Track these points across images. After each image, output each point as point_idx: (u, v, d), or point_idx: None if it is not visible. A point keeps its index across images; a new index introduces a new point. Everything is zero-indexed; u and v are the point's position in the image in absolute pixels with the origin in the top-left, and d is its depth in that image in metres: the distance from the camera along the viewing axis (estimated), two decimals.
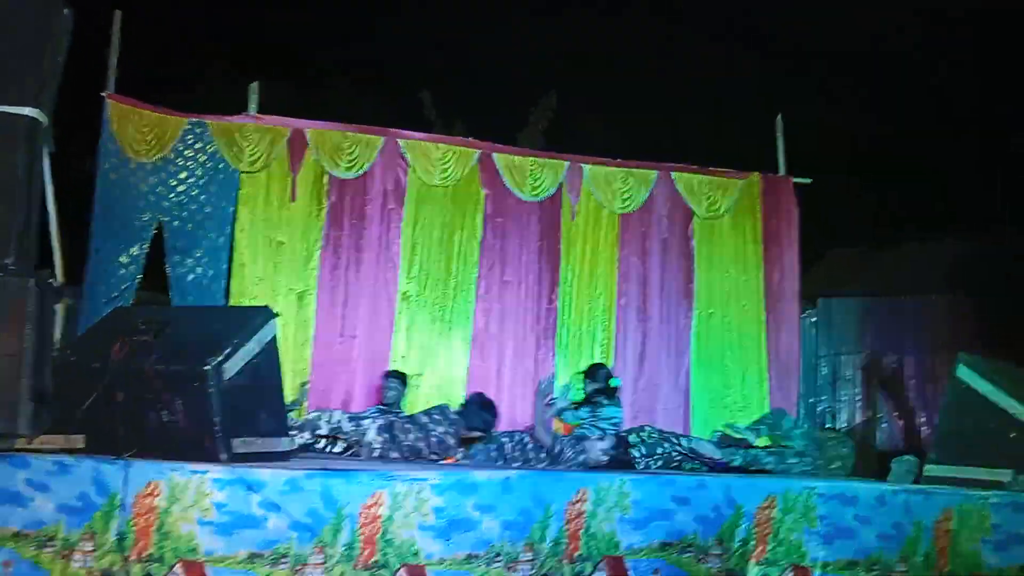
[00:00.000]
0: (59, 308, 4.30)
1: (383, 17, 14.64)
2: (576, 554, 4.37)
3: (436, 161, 8.16)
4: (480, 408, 6.26)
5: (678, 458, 6.48)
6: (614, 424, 6.90)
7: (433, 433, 5.99)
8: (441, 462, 5.94)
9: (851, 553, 4.74)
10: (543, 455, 6.27)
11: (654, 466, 6.36)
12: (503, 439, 6.37)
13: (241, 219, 7.73)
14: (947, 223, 13.11)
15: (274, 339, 4.54)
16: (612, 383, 7.36)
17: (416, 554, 4.08)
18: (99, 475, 3.79)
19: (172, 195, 7.57)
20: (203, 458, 4.01)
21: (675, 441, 6.54)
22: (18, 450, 3.87)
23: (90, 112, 7.54)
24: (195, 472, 3.85)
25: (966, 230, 12.52)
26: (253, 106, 7.86)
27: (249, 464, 4.06)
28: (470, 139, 8.60)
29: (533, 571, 4.27)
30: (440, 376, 8.03)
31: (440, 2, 15.08)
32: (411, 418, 6.46)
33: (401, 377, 7.46)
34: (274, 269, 7.78)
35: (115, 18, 7.46)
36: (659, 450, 6.49)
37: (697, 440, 6.42)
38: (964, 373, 5.57)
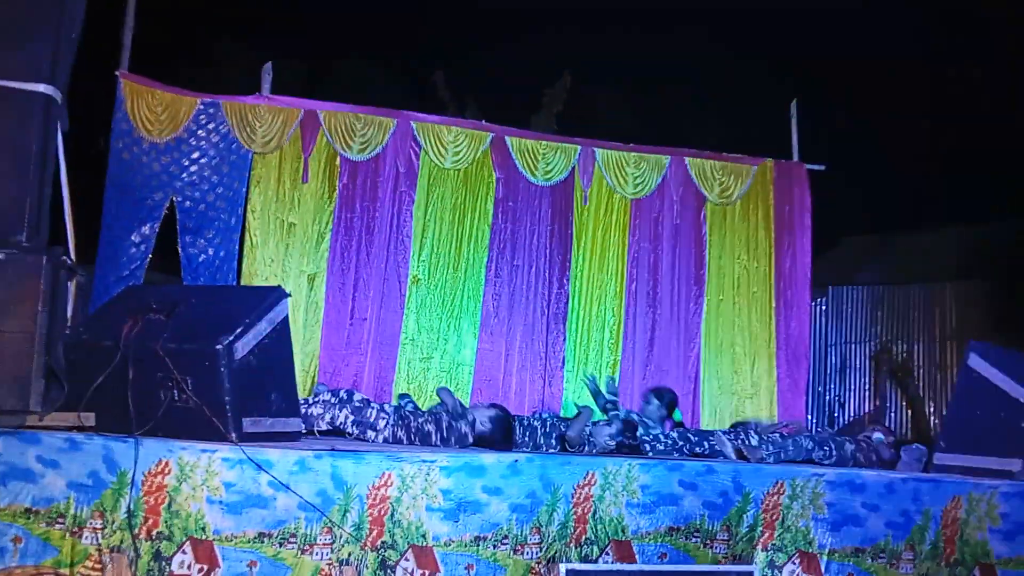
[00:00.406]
0: (71, 286, 4.30)
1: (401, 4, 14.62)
2: (583, 538, 4.38)
3: (448, 144, 8.16)
4: (503, 437, 6.17)
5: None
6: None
7: (444, 421, 5.99)
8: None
9: (858, 540, 4.74)
10: (553, 440, 6.27)
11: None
12: (512, 423, 6.37)
13: (253, 200, 7.74)
14: (958, 210, 13.05)
15: (286, 319, 4.55)
16: (676, 416, 7.31)
17: (424, 535, 4.10)
18: (109, 453, 3.80)
19: (184, 175, 7.59)
20: (213, 437, 4.02)
21: (695, 442, 6.51)
22: (29, 427, 3.90)
23: (104, 91, 7.56)
24: (205, 451, 3.87)
25: (976, 217, 12.47)
26: (266, 87, 7.85)
27: (259, 444, 4.08)
28: (483, 122, 8.60)
29: (540, 554, 4.28)
30: (449, 359, 8.04)
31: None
32: (425, 411, 6.43)
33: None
34: (285, 251, 7.79)
35: None
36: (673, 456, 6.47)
37: (719, 439, 6.35)
38: (975, 362, 5.54)
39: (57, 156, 4.37)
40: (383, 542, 4.04)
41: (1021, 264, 10.76)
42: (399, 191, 8.08)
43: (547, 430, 6.46)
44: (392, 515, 4.07)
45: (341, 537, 3.97)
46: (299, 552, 3.90)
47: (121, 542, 3.76)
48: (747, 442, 6.28)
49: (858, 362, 11.66)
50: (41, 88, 4.13)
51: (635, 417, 6.73)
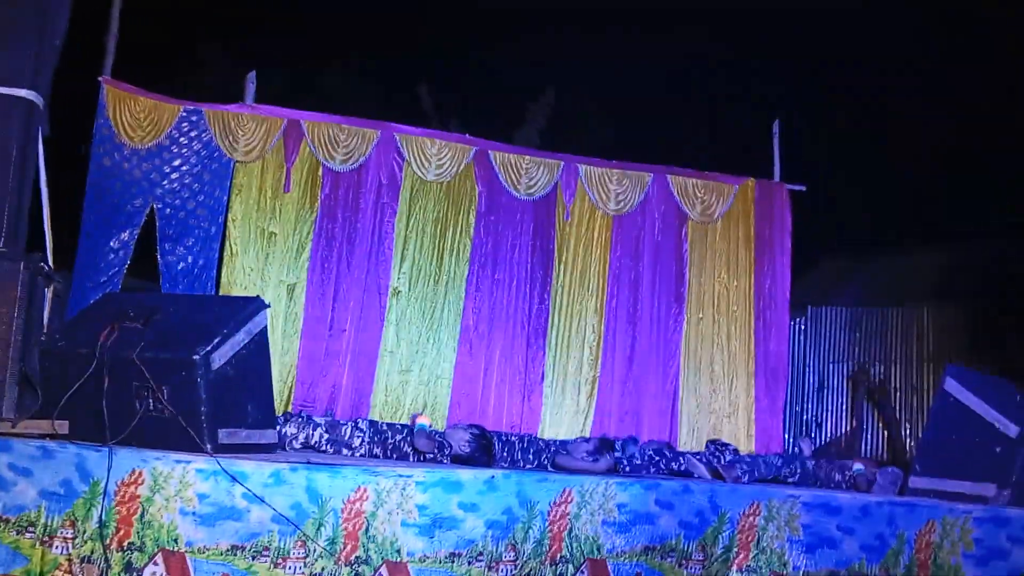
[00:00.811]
0: (48, 292, 4.27)
1: (382, 8, 14.61)
2: (559, 556, 4.37)
3: (432, 156, 8.15)
4: (483, 456, 6.17)
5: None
6: None
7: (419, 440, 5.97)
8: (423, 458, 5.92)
9: (833, 563, 4.75)
10: (530, 456, 6.27)
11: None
12: (495, 442, 6.37)
13: (234, 208, 7.70)
14: (934, 233, 13.15)
15: (264, 330, 4.53)
16: None
17: (399, 551, 4.08)
18: (83, 461, 3.77)
19: (165, 182, 7.54)
20: (188, 448, 4.00)
21: (670, 457, 6.53)
22: (2, 434, 3.86)
23: (86, 96, 7.52)
24: (179, 462, 3.85)
25: (954, 240, 12.57)
26: (250, 96, 7.83)
27: (234, 455, 4.05)
28: (467, 135, 8.59)
29: (515, 571, 4.27)
30: (428, 372, 8.01)
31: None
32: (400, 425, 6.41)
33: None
34: (265, 260, 7.75)
35: (114, 2, 7.43)
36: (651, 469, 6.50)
37: (689, 460, 6.38)
38: (951, 386, 5.57)
39: (37, 161, 4.35)
40: (357, 557, 4.02)
41: (999, 287, 10.84)
42: (381, 203, 8.05)
43: (524, 446, 6.46)
44: (367, 530, 4.04)
45: (315, 551, 3.95)
46: (272, 566, 3.87)
47: (92, 552, 3.72)
48: (721, 460, 6.30)
49: (836, 382, 11.69)
50: (23, 93, 4.11)
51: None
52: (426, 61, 14.76)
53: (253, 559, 3.85)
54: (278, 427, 5.33)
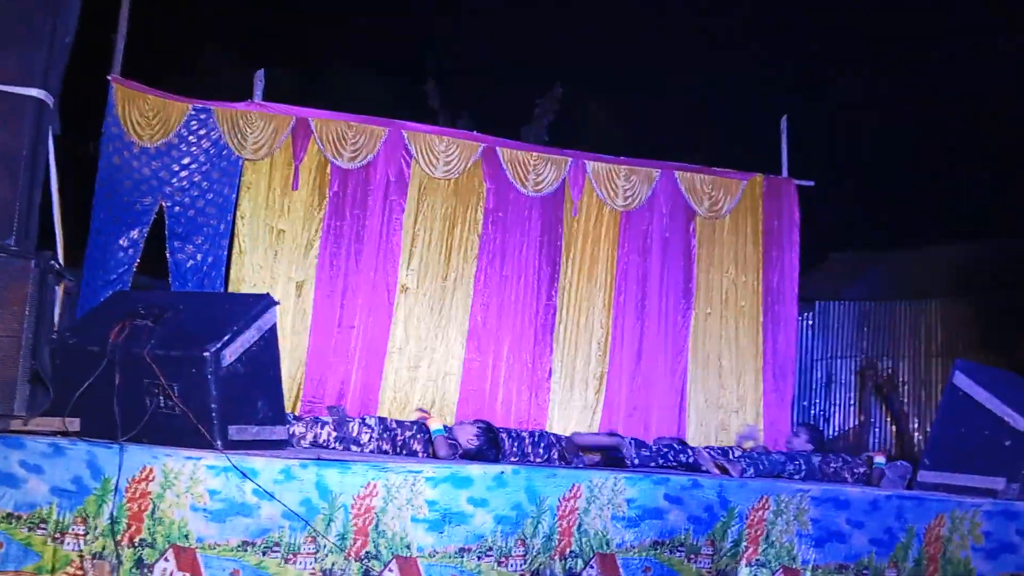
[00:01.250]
0: (59, 290, 4.29)
1: (389, 4, 14.63)
2: (568, 550, 4.38)
3: (439, 153, 8.16)
4: (492, 450, 6.20)
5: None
6: None
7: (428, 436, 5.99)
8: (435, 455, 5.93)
9: (842, 557, 4.75)
10: (540, 450, 6.28)
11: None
12: (501, 435, 6.38)
13: (243, 206, 7.73)
14: (946, 228, 13.13)
15: (274, 327, 4.54)
16: None
17: (408, 546, 4.09)
18: (93, 459, 3.79)
19: (174, 180, 7.57)
20: (198, 444, 4.01)
21: (679, 449, 6.55)
22: (13, 431, 3.88)
23: (95, 94, 7.54)
24: (190, 458, 3.86)
25: (963, 235, 12.54)
26: (258, 93, 7.85)
27: (244, 452, 4.07)
28: (474, 132, 8.60)
29: (524, 566, 4.28)
30: (436, 369, 8.03)
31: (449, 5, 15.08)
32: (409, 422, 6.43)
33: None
34: (274, 257, 7.77)
35: (124, 2, 7.46)
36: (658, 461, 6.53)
37: (699, 454, 6.39)
38: (961, 380, 5.57)
39: (48, 160, 4.37)
40: (367, 552, 4.03)
41: (1007, 282, 10.82)
42: (389, 200, 8.07)
43: (535, 440, 6.47)
44: (376, 525, 4.06)
45: (325, 547, 3.96)
46: (283, 561, 3.89)
47: (103, 549, 3.74)
48: (729, 455, 6.32)
49: (844, 377, 11.69)
50: (33, 92, 4.12)
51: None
52: (434, 57, 14.78)
53: (264, 555, 3.86)
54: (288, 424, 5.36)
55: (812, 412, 11.55)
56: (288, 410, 6.39)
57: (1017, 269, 10.87)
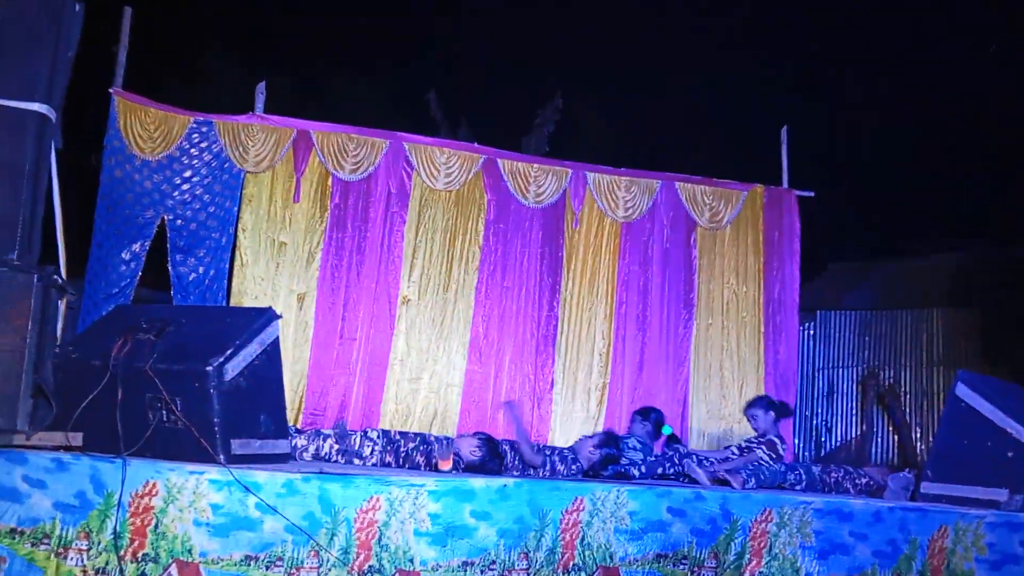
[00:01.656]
0: (61, 304, 4.29)
1: (391, 16, 14.68)
2: (571, 564, 4.37)
3: (440, 165, 8.17)
4: (492, 456, 6.20)
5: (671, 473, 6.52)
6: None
7: (432, 446, 5.99)
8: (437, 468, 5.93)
9: (845, 569, 4.75)
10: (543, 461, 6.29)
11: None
12: (504, 447, 6.39)
13: (244, 219, 7.74)
14: (946, 233, 13.15)
15: (276, 341, 4.54)
16: (666, 430, 7.35)
17: (411, 560, 4.08)
18: (96, 473, 3.79)
19: (176, 193, 7.58)
20: (201, 458, 4.01)
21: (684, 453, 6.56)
22: (16, 446, 3.88)
23: (97, 107, 7.56)
24: (193, 472, 3.86)
25: (964, 240, 12.56)
26: (259, 106, 7.86)
27: (247, 466, 4.07)
28: (475, 144, 8.61)
29: None
30: (438, 380, 8.03)
31: (447, 2, 15.13)
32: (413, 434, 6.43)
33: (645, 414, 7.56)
34: (276, 270, 7.78)
35: (125, 14, 7.48)
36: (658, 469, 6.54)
37: (690, 468, 6.38)
38: (963, 391, 5.56)
39: (50, 174, 4.37)
40: (370, 566, 4.03)
41: (1008, 291, 10.83)
42: (390, 211, 8.08)
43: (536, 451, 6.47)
44: (380, 539, 4.05)
45: (328, 561, 3.96)
46: None
47: (106, 564, 3.74)
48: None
49: (845, 387, 11.70)
50: (35, 107, 4.13)
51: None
52: (435, 68, 14.82)
53: (267, 569, 3.86)
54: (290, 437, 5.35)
55: (814, 422, 11.55)
56: (290, 423, 6.41)
57: (1018, 274, 10.88)
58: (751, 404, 7.30)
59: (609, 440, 6.57)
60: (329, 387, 7.72)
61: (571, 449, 6.73)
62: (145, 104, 7.55)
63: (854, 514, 4.81)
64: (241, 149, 7.70)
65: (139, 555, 3.76)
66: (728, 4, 14.60)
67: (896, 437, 11.28)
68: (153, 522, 3.79)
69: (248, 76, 8.19)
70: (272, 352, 4.50)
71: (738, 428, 8.55)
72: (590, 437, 6.70)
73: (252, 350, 4.33)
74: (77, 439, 4.07)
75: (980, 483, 5.31)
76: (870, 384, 11.40)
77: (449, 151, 8.27)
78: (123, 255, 7.37)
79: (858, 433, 11.35)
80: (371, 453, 5.83)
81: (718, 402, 8.62)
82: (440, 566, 4.13)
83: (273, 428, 4.48)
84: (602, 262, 8.56)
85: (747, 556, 4.64)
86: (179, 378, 4.11)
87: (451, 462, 5.89)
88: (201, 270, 7.57)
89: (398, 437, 6.07)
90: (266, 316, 4.53)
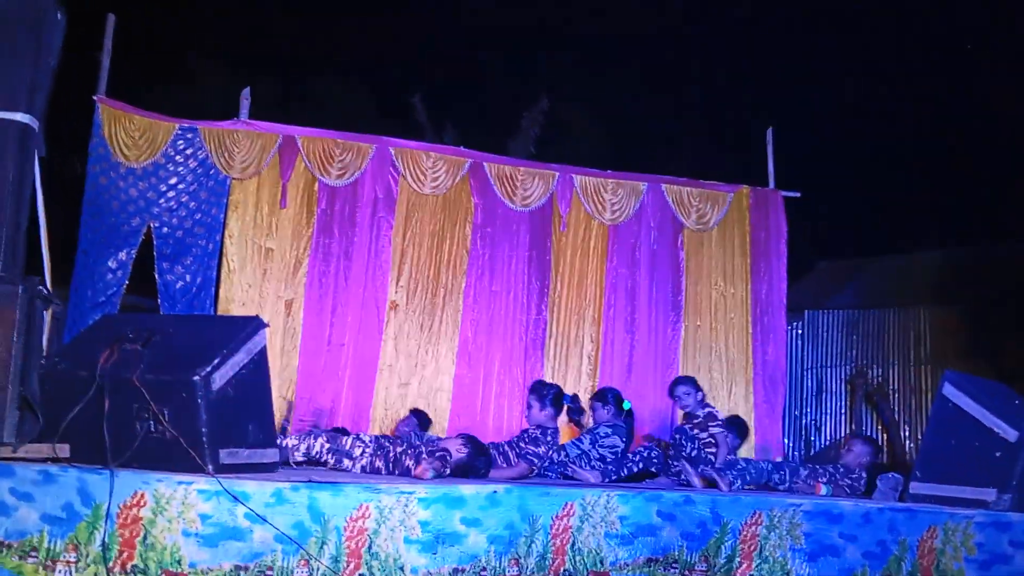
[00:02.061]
0: (47, 315, 4.26)
1: (376, 19, 14.67)
2: (562, 569, 4.36)
3: (427, 170, 8.17)
4: (478, 454, 6.18)
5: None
6: (614, 452, 6.85)
7: (422, 450, 5.96)
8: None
9: (835, 571, 4.74)
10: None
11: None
12: (490, 450, 6.37)
13: (230, 225, 7.73)
14: (932, 235, 13.21)
15: (263, 349, 4.52)
16: (626, 405, 7.30)
17: (402, 568, 4.07)
18: (84, 485, 3.76)
19: (162, 200, 7.56)
20: (190, 469, 3.99)
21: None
22: (3, 459, 3.85)
23: (81, 113, 7.54)
24: (181, 483, 3.83)
25: (950, 241, 12.62)
26: (244, 112, 7.84)
27: (236, 475, 4.04)
28: (461, 148, 8.61)
29: None
30: (427, 385, 8.03)
31: (433, 6, 15.14)
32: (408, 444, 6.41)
33: (423, 419, 7.50)
34: (263, 276, 7.77)
35: (108, 21, 7.45)
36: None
37: (685, 470, 6.38)
38: (950, 391, 5.57)
39: (34, 184, 4.34)
40: (361, 574, 4.01)
41: (994, 289, 10.88)
42: (377, 216, 8.08)
43: (519, 452, 6.45)
44: (370, 547, 4.03)
45: (318, 570, 3.94)
46: None
47: (95, 575, 3.71)
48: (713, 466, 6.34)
49: (834, 386, 11.74)
50: (18, 117, 4.10)
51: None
52: (420, 71, 14.82)
53: None
54: (279, 440, 5.33)
55: (803, 422, 11.58)
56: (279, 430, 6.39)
57: (1003, 272, 10.93)
58: (679, 383, 7.15)
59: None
60: (318, 393, 7.71)
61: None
62: (129, 111, 7.53)
63: (843, 516, 4.82)
64: (227, 155, 7.68)
65: (128, 566, 3.74)
66: (728, 4, 14.66)
67: (885, 435, 11.32)
68: (142, 533, 3.76)
69: (233, 77, 8.18)
70: (260, 361, 4.48)
71: None
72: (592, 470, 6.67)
73: (240, 359, 4.30)
74: (64, 451, 4.04)
75: (969, 483, 5.32)
76: (858, 383, 11.45)
77: (436, 155, 8.27)
78: (109, 263, 7.35)
79: (847, 432, 11.39)
80: (361, 454, 5.79)
81: None
82: (431, 573, 4.11)
83: (261, 437, 4.46)
84: (590, 265, 8.58)
85: (737, 559, 4.64)
86: (166, 388, 4.08)
87: (430, 471, 5.86)
88: (188, 278, 7.55)
89: (387, 443, 6.04)
90: (253, 325, 4.50)
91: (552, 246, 8.49)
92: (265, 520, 3.87)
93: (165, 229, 7.56)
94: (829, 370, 11.76)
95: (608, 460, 6.72)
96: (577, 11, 15.06)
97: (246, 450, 4.32)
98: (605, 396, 7.14)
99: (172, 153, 7.59)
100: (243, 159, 7.72)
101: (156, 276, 7.52)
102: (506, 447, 6.40)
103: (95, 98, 7.41)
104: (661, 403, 8.48)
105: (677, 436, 6.72)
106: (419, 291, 8.11)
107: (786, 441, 10.25)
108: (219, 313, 7.53)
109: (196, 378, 4.05)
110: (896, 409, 11.37)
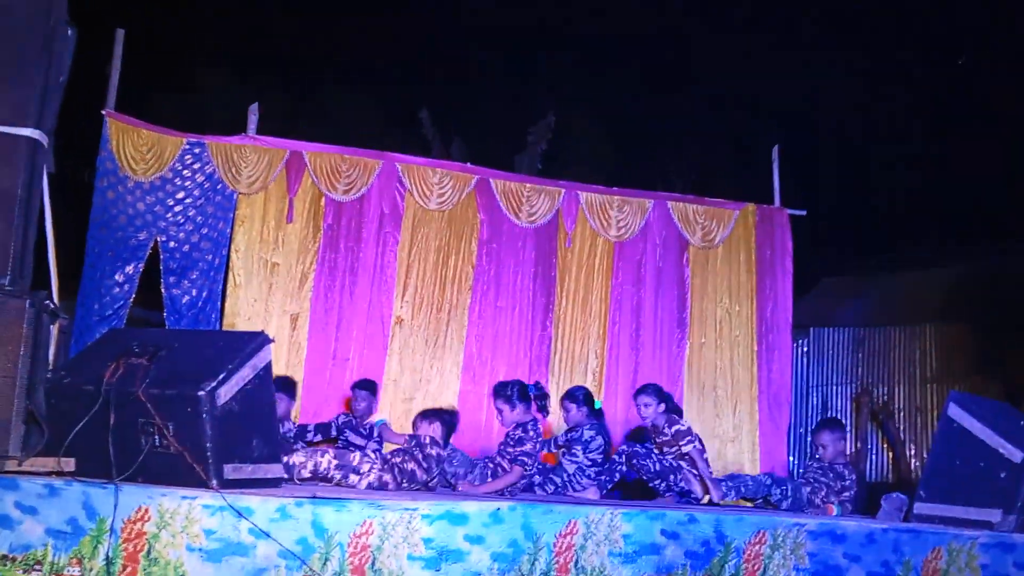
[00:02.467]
0: (54, 329, 4.28)
1: (384, 33, 14.72)
2: None
3: (433, 185, 8.19)
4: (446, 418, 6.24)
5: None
6: (601, 453, 6.84)
7: (420, 453, 5.98)
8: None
9: None
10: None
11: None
12: (482, 464, 6.42)
13: (237, 240, 7.75)
14: (939, 251, 13.18)
15: (268, 365, 4.53)
16: (596, 405, 7.26)
17: None
18: (89, 499, 3.77)
19: (169, 214, 7.59)
20: (194, 483, 4.00)
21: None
22: (8, 472, 3.86)
23: (90, 125, 7.57)
24: (185, 498, 3.84)
25: (957, 258, 12.59)
26: (252, 127, 7.88)
27: (240, 490, 4.05)
28: (468, 164, 8.64)
29: None
30: (432, 400, 8.01)
31: (442, 21, 15.18)
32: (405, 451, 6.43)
33: (371, 387, 7.46)
34: (269, 291, 7.79)
35: (117, 36, 7.49)
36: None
37: (686, 478, 6.38)
38: (955, 412, 5.56)
39: (43, 199, 4.37)
40: None
41: (1001, 306, 10.85)
42: (383, 232, 8.10)
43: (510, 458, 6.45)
44: (373, 564, 4.04)
45: None
46: None
47: None
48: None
49: (839, 404, 11.69)
50: (27, 132, 4.12)
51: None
52: (427, 87, 14.85)
53: None
54: (284, 458, 5.33)
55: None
56: None
57: (1010, 289, 10.91)
58: (641, 392, 7.06)
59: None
60: (322, 408, 7.70)
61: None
62: (138, 125, 7.56)
63: (847, 536, 4.81)
64: (234, 170, 7.71)
65: None
66: (728, 4, 14.64)
67: (890, 454, 11.27)
68: (146, 548, 3.77)
69: (241, 87, 8.20)
70: (265, 376, 4.49)
71: (732, 447, 8.58)
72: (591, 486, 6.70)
73: (245, 374, 4.32)
74: (69, 465, 4.04)
75: (973, 504, 5.31)
76: (864, 401, 11.41)
77: (442, 171, 8.30)
78: (116, 277, 7.37)
79: (852, 451, 11.34)
80: (369, 470, 5.79)
81: (712, 421, 8.64)
82: None
83: (266, 452, 4.46)
84: (595, 281, 8.58)
85: None
86: (172, 403, 4.09)
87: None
88: (195, 292, 7.57)
89: (391, 458, 6.04)
90: (259, 340, 4.51)
91: (557, 262, 8.51)
92: (269, 535, 3.88)
93: (172, 243, 7.58)
94: (834, 388, 11.72)
95: (600, 463, 6.73)
96: (577, 11, 15.05)
97: (250, 465, 4.33)
98: (576, 396, 7.08)
99: (180, 168, 7.62)
100: (250, 174, 7.75)
101: (163, 290, 7.54)
102: (497, 458, 6.42)
103: (104, 112, 7.45)
104: None
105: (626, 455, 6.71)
106: (424, 306, 8.12)
107: (791, 459, 10.21)
108: (225, 327, 7.54)
109: (201, 393, 4.07)
110: (902, 428, 11.32)
